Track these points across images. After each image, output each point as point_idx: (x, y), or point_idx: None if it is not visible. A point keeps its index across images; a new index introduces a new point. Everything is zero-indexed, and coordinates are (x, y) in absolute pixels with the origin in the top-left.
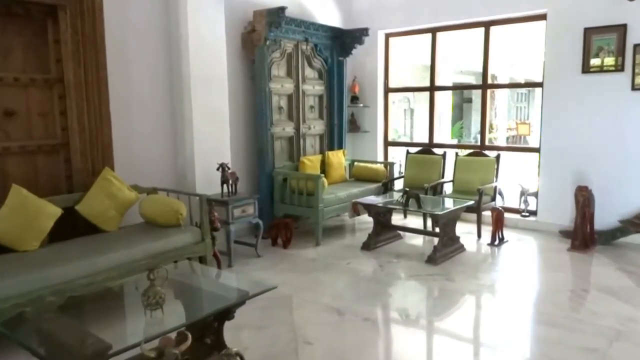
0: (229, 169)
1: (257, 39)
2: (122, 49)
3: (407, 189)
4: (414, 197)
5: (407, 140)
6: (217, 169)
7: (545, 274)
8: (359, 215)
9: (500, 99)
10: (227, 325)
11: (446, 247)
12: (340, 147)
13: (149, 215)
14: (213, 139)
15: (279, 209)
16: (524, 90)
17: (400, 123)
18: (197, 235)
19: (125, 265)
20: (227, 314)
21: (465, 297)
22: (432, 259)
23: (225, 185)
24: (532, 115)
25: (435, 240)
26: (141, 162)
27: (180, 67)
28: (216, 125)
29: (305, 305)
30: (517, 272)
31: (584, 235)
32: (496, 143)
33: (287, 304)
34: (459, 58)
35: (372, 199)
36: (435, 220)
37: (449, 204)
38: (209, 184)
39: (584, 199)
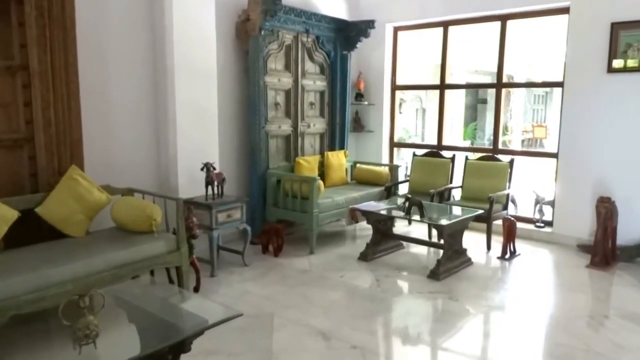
0: (214, 169)
1: (251, 29)
2: (97, 35)
3: (409, 196)
4: (416, 205)
5: (418, 141)
6: (202, 169)
7: (561, 294)
8: (357, 222)
9: (516, 100)
10: (194, 350)
11: (451, 260)
12: (341, 147)
13: (120, 219)
14: (199, 137)
15: (271, 214)
16: (541, 92)
17: (412, 123)
18: (171, 244)
19: (82, 278)
20: (181, 346)
21: (469, 321)
22: (435, 274)
23: (210, 187)
24: (549, 118)
25: (440, 252)
26: (118, 160)
27: (164, 58)
28: (203, 122)
29: (287, 327)
30: (529, 291)
31: (604, 251)
32: (510, 146)
33: (268, 325)
34: (474, 56)
35: (372, 205)
36: (440, 231)
37: (456, 213)
38: (193, 185)
39: (607, 211)
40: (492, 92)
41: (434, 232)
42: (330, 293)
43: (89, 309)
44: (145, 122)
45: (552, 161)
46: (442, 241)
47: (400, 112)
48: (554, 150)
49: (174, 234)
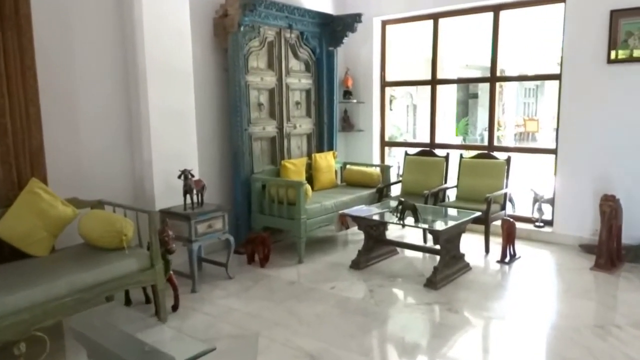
0: (192, 176)
1: (230, 25)
2: (58, 34)
3: (402, 199)
4: (410, 209)
5: (410, 138)
6: (179, 177)
7: (566, 301)
8: (347, 228)
9: (508, 95)
10: None
11: (448, 267)
12: (330, 148)
13: (87, 235)
14: (175, 141)
15: (257, 221)
16: (532, 85)
17: (403, 120)
18: (144, 261)
19: (41, 305)
20: None
21: (470, 336)
22: (432, 283)
23: (188, 196)
24: (540, 112)
25: (436, 257)
26: (87, 170)
27: (135, 56)
28: (179, 125)
29: (272, 348)
30: (532, 299)
31: (609, 251)
32: (504, 142)
33: (252, 347)
34: (465, 50)
35: (363, 210)
36: (436, 236)
37: (452, 216)
38: (171, 194)
39: (611, 210)
40: (483, 86)
41: (430, 236)
42: (319, 307)
43: (25, 357)
44: (116, 126)
45: (548, 156)
46: (438, 246)
47: (391, 109)
48: (549, 145)
49: (148, 250)
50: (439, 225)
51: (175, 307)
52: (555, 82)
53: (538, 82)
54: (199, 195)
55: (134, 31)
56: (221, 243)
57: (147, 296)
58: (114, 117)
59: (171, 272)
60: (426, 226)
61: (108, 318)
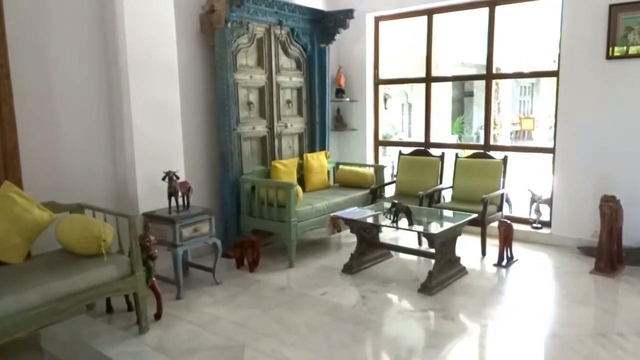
0: (177, 177)
1: (216, 21)
2: (33, 28)
3: (396, 201)
4: (403, 211)
5: (405, 137)
6: (163, 179)
7: (566, 308)
8: (339, 231)
9: (504, 93)
10: None
11: (444, 271)
12: (322, 147)
13: (65, 241)
14: (160, 142)
15: (246, 224)
16: (527, 83)
17: (398, 118)
18: (124, 267)
19: (12, 317)
20: None
21: (466, 345)
22: (427, 288)
23: (173, 199)
24: (536, 110)
25: (432, 261)
26: (66, 172)
27: (117, 53)
28: (164, 125)
29: None
30: (530, 305)
31: (610, 254)
32: (500, 140)
33: (237, 359)
34: (460, 48)
35: (355, 212)
36: (431, 240)
37: (448, 218)
38: (155, 196)
39: (612, 212)
40: (478, 84)
41: (425, 238)
42: (310, 315)
43: None
44: (98, 126)
45: (545, 155)
46: (433, 250)
47: (386, 108)
48: (545, 143)
49: (129, 256)
50: (434, 228)
51: (158, 316)
52: (552, 80)
53: (534, 80)
54: (185, 197)
55: (115, 26)
56: (209, 246)
57: (129, 303)
58: (95, 116)
59: (154, 278)
60: (421, 229)
61: (80, 332)
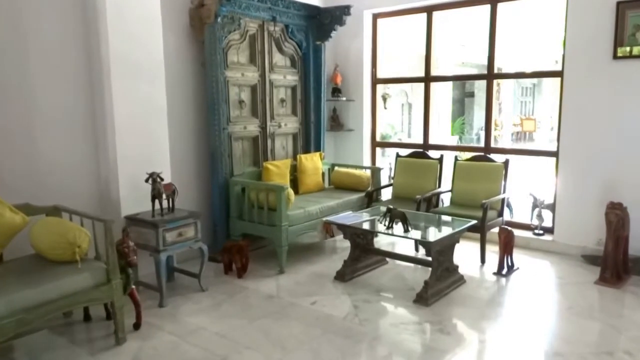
0: (161, 179)
1: (206, 16)
2: (10, 21)
3: (391, 207)
4: (399, 217)
5: (405, 137)
6: (146, 181)
7: (569, 321)
8: (332, 236)
9: (505, 93)
10: None
11: (441, 280)
12: (317, 148)
13: (38, 246)
14: (144, 141)
15: (236, 227)
16: (529, 83)
17: (398, 119)
18: (100, 275)
19: None
20: None
21: None
22: (422, 298)
23: (157, 202)
24: (537, 111)
25: (428, 269)
26: (45, 173)
27: (99, 47)
28: (149, 124)
29: None
30: (532, 318)
31: (616, 264)
32: (501, 142)
33: None
34: (461, 47)
35: (349, 217)
36: (428, 248)
37: (446, 224)
38: (139, 198)
39: (619, 220)
40: (479, 85)
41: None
42: (297, 327)
43: None
44: (79, 125)
45: (550, 160)
46: (430, 258)
47: (385, 108)
48: (547, 145)
49: (105, 264)
50: (431, 236)
51: (137, 325)
52: (555, 80)
53: (535, 81)
54: (170, 200)
55: (96, 18)
56: (196, 250)
57: (108, 311)
58: (76, 114)
59: (133, 286)
60: (417, 237)
61: (55, 342)
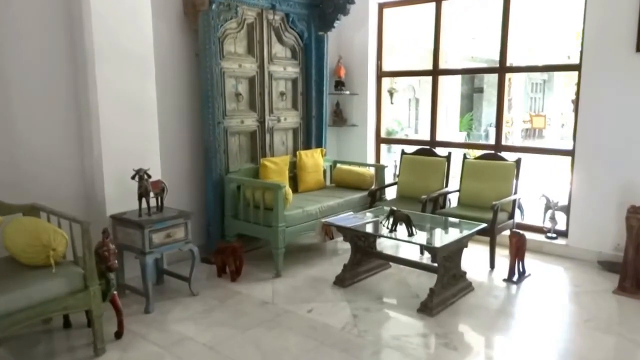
0: (149, 176)
1: (199, 2)
2: None
3: (394, 208)
4: (403, 220)
5: (411, 133)
6: (133, 178)
7: (587, 336)
8: (331, 238)
9: (516, 89)
10: None
11: (447, 288)
12: (319, 144)
13: (11, 248)
14: (132, 136)
15: (231, 227)
16: (539, 79)
17: (404, 114)
18: (76, 281)
19: None
20: None
21: None
22: (427, 308)
23: (145, 200)
24: (547, 107)
25: (434, 275)
26: (26, 169)
27: (82, 35)
28: (137, 117)
29: None
30: (545, 331)
31: (636, 272)
32: (511, 139)
33: None
34: (470, 40)
35: (349, 218)
36: (433, 254)
37: (453, 227)
38: (126, 196)
39: None
40: (488, 80)
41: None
42: (291, 339)
43: None
44: (62, 118)
45: (564, 158)
46: (436, 264)
47: (392, 103)
48: (558, 142)
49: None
50: (438, 240)
51: (118, 334)
52: (567, 75)
53: (545, 76)
54: (159, 198)
55: (80, 5)
56: (188, 252)
57: (89, 318)
58: (59, 107)
59: (114, 292)
60: (422, 241)
61: (30, 352)
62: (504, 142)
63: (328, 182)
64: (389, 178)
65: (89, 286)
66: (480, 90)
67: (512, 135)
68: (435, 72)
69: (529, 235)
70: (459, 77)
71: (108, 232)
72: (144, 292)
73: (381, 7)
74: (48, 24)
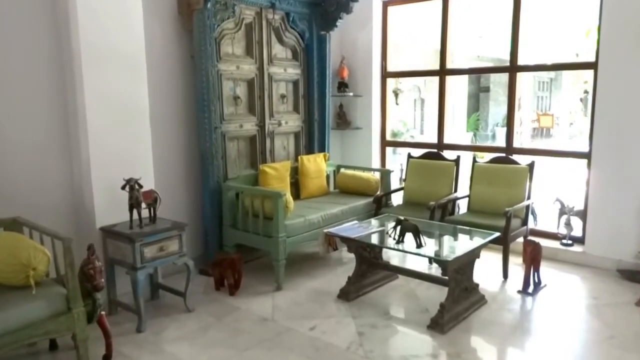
0: (140, 186)
1: (194, 1)
2: None
3: (401, 218)
4: (410, 231)
5: (417, 134)
6: (123, 188)
7: (611, 356)
8: (335, 249)
9: (524, 88)
10: None
11: (458, 302)
12: (322, 148)
13: None
14: (123, 142)
15: (229, 237)
16: (545, 77)
17: (410, 115)
18: (58, 303)
19: None
20: None
21: None
22: (438, 325)
23: (136, 211)
24: (554, 106)
25: (444, 287)
26: (10, 178)
27: (69, 37)
28: (128, 123)
29: None
30: (565, 350)
31: None
32: (521, 141)
33: None
34: (477, 39)
35: (353, 228)
36: (444, 267)
37: (464, 237)
38: (117, 207)
39: None
40: (495, 80)
41: None
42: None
43: None
44: (49, 125)
45: (578, 161)
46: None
47: (397, 103)
48: (567, 142)
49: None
50: (448, 252)
51: (107, 357)
52: (574, 74)
53: (552, 75)
54: (151, 209)
55: (67, 7)
56: (184, 265)
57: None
58: (45, 111)
59: (102, 312)
60: (431, 254)
61: None
62: (515, 144)
63: (331, 188)
64: (394, 182)
65: (72, 308)
66: (487, 89)
67: (522, 136)
68: (443, 72)
69: (543, 242)
70: (465, 77)
71: (94, 248)
72: (136, 310)
73: (385, 5)
74: (32, 22)
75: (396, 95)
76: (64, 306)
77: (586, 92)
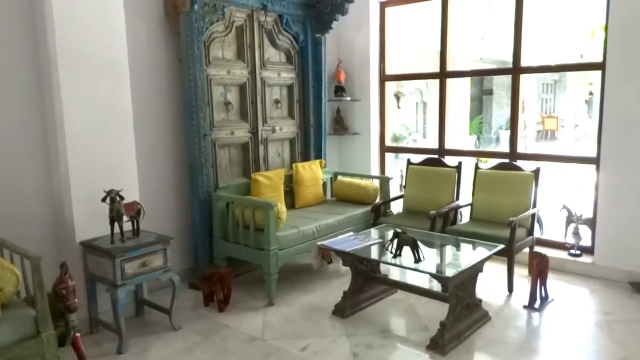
0: (122, 198)
1: (180, 3)
2: None
3: (399, 230)
4: (409, 244)
5: (420, 138)
6: (103, 200)
7: None
8: (330, 262)
9: (528, 90)
10: None
11: (460, 320)
12: (318, 155)
13: None
14: (104, 151)
15: (220, 250)
16: (549, 79)
17: (412, 118)
18: (25, 327)
19: None
20: None
21: None
22: (438, 345)
23: (117, 224)
24: (559, 108)
25: (445, 305)
26: None
27: (46, 41)
28: (110, 130)
29: None
30: None
31: None
32: (526, 145)
33: None
34: (479, 41)
35: (348, 241)
36: (444, 284)
37: (466, 249)
38: (98, 219)
39: None
40: (498, 82)
41: None
42: None
43: None
44: (26, 133)
45: (585, 167)
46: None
47: (399, 107)
48: (572, 145)
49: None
50: (448, 267)
51: None
52: (579, 75)
53: (556, 76)
54: (134, 222)
55: (42, 10)
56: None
57: None
58: (22, 119)
59: (77, 334)
60: (431, 270)
61: None
62: (519, 149)
63: (328, 196)
64: (395, 189)
65: (42, 332)
66: (490, 92)
67: (527, 140)
68: (443, 75)
69: (549, 252)
70: (468, 79)
71: (66, 266)
72: (117, 330)
73: (383, 6)
74: (7, 22)
75: (397, 98)
76: (33, 330)
77: (591, 93)
